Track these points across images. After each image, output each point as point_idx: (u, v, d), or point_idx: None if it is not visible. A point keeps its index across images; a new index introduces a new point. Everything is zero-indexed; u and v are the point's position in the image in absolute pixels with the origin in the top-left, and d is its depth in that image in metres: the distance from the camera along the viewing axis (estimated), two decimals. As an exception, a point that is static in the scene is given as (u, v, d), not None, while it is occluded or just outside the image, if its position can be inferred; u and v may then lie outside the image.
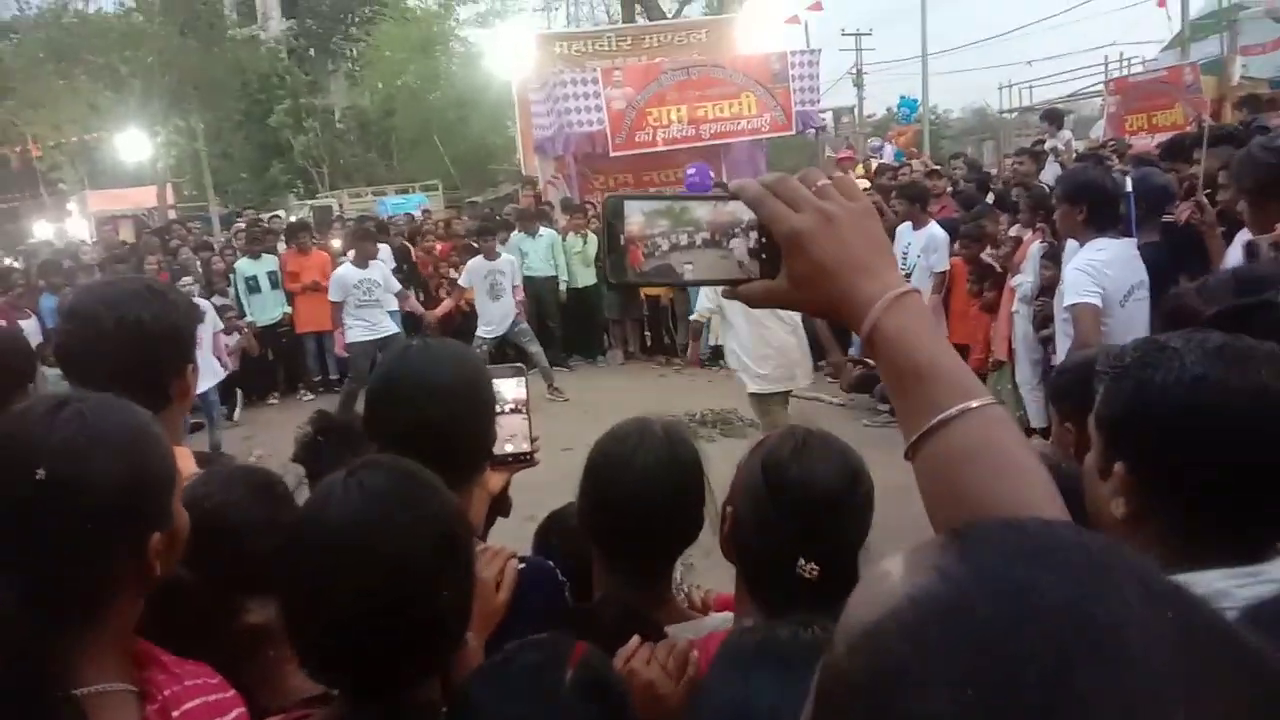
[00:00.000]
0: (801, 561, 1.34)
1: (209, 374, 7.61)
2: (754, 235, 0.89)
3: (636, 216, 0.89)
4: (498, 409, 1.74)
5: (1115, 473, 1.21)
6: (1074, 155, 9.95)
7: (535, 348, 9.78)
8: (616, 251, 0.89)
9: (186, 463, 1.73)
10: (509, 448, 1.77)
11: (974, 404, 0.79)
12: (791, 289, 0.86)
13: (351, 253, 9.66)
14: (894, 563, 0.50)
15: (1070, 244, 4.40)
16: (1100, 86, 17.57)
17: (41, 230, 21.36)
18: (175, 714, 1.09)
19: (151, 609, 1.31)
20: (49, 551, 1.07)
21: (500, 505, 1.93)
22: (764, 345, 5.87)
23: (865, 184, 11.34)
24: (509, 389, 1.80)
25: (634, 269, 0.89)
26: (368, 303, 8.95)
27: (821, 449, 1.40)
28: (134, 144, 24.55)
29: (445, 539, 1.20)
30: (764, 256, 0.88)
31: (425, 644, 1.19)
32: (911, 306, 0.83)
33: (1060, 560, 0.45)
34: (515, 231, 11.46)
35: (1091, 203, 3.95)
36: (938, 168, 11.71)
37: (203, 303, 7.99)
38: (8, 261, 14.19)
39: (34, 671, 1.04)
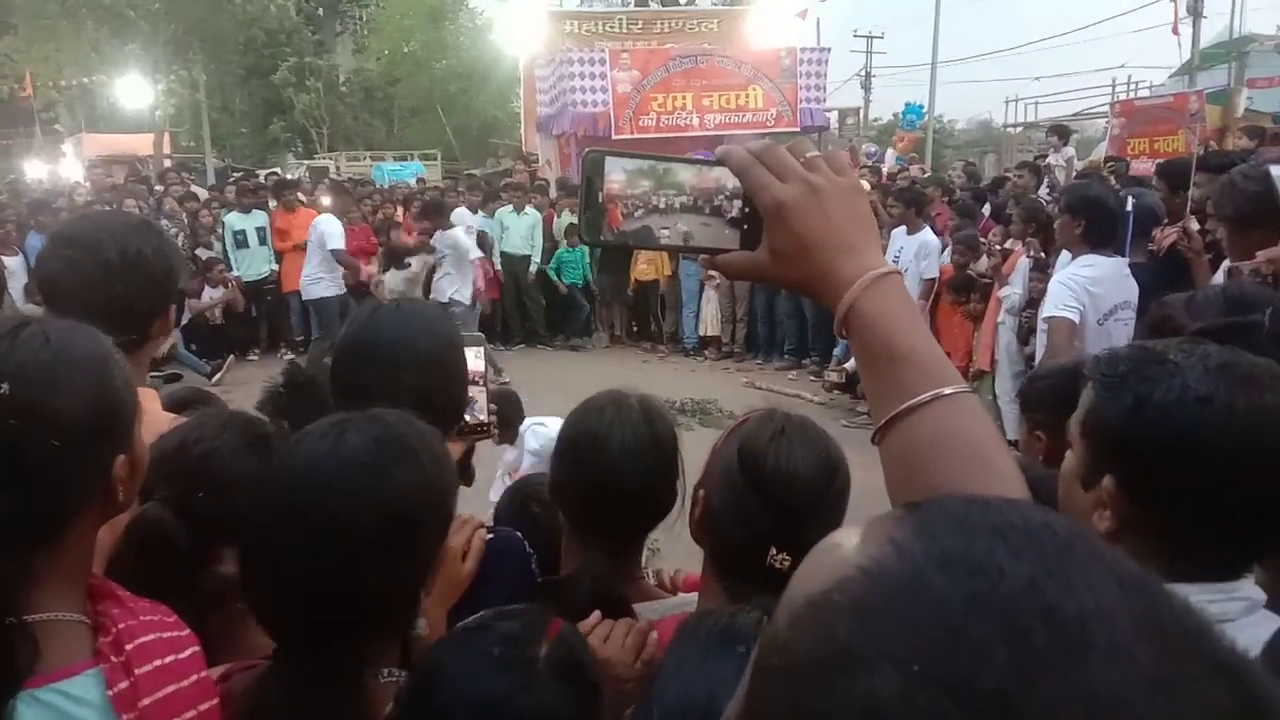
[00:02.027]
0: (774, 552, 1.31)
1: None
2: (737, 204, 0.85)
3: (618, 174, 0.85)
4: None
5: (1103, 486, 1.18)
6: (1074, 174, 9.96)
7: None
8: (593, 209, 0.85)
9: (152, 404, 1.71)
10: (466, 418, 1.76)
11: (947, 391, 0.76)
12: (771, 262, 0.83)
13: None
14: (846, 534, 0.47)
15: (1063, 256, 4.41)
16: (1106, 107, 17.57)
17: (34, 170, 21.14)
18: (128, 647, 1.07)
19: (128, 547, 1.29)
20: (13, 471, 1.04)
21: (461, 475, 1.91)
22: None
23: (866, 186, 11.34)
24: (468, 360, 1.78)
25: (611, 229, 0.86)
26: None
27: (800, 437, 1.36)
28: (134, 90, 24.34)
29: (409, 512, 1.17)
30: (745, 227, 0.85)
31: (365, 613, 1.17)
32: (892, 288, 0.80)
33: (1023, 539, 0.43)
34: (504, 205, 11.37)
35: (1090, 217, 3.97)
36: (917, 176, 11.70)
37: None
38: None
39: None
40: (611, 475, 1.55)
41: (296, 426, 1.76)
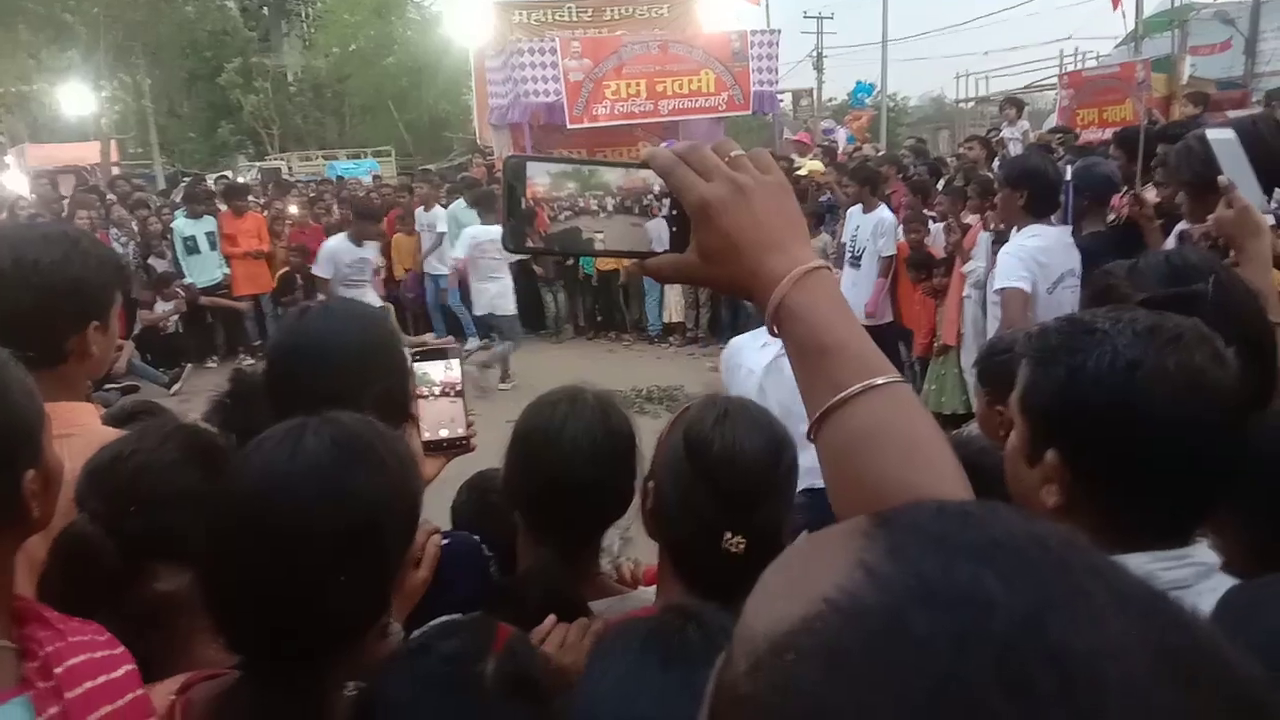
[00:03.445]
0: (728, 535, 1.30)
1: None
2: (665, 205, 0.85)
3: (542, 179, 0.84)
4: (428, 393, 1.68)
5: (1047, 461, 1.17)
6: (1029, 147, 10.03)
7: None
8: (516, 216, 0.84)
9: (91, 419, 1.66)
10: (444, 433, 1.70)
11: (879, 381, 0.75)
12: (700, 263, 0.82)
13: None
14: (805, 551, 0.42)
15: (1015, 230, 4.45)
16: (1055, 79, 17.76)
17: (-23, 183, 20.67)
18: (58, 670, 1.03)
19: (53, 563, 1.24)
20: None
21: None
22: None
23: (818, 166, 11.39)
24: (438, 372, 1.72)
25: (539, 234, 0.85)
26: (357, 282, 8.02)
27: (744, 419, 1.35)
28: (77, 98, 23.89)
29: (372, 515, 1.13)
30: (674, 229, 0.85)
31: (332, 623, 1.13)
32: (820, 282, 0.80)
33: (1011, 559, 0.37)
34: (460, 202, 10.66)
35: (1032, 189, 4.01)
36: (870, 155, 11.75)
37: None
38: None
39: None
40: (564, 470, 1.52)
41: (246, 434, 1.73)
